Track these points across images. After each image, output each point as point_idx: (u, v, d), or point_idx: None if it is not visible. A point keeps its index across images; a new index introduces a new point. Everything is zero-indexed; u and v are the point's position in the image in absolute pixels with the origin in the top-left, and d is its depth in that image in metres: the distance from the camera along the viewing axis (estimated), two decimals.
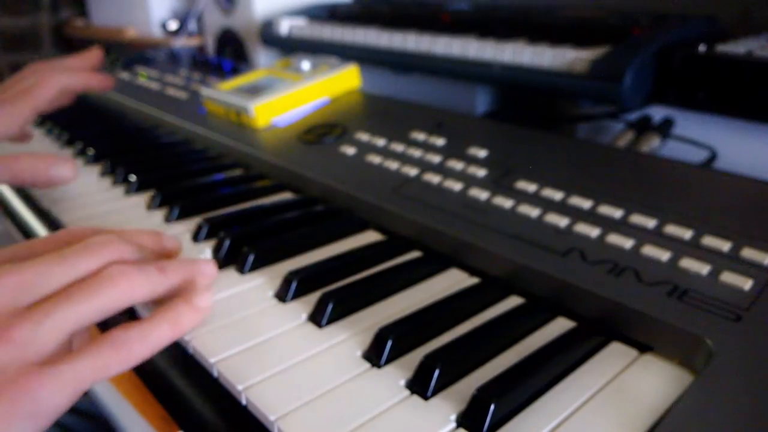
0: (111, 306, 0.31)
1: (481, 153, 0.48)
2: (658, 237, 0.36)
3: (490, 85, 0.75)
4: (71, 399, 0.28)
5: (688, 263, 0.33)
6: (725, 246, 0.34)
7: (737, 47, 0.50)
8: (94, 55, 0.66)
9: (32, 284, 0.30)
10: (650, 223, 0.37)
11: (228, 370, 0.31)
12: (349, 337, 0.33)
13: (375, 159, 0.50)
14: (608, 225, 0.37)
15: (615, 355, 0.32)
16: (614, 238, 0.36)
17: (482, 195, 0.43)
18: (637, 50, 0.52)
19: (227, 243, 0.42)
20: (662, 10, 0.65)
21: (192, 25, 1.16)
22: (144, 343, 0.31)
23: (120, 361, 0.30)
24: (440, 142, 0.51)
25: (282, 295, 0.37)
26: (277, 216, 0.48)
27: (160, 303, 0.34)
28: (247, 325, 0.34)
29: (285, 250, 0.42)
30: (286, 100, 0.62)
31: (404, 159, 0.49)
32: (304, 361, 0.31)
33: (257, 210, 0.49)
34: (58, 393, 0.28)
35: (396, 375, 0.30)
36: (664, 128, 0.57)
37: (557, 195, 0.41)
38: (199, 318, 0.34)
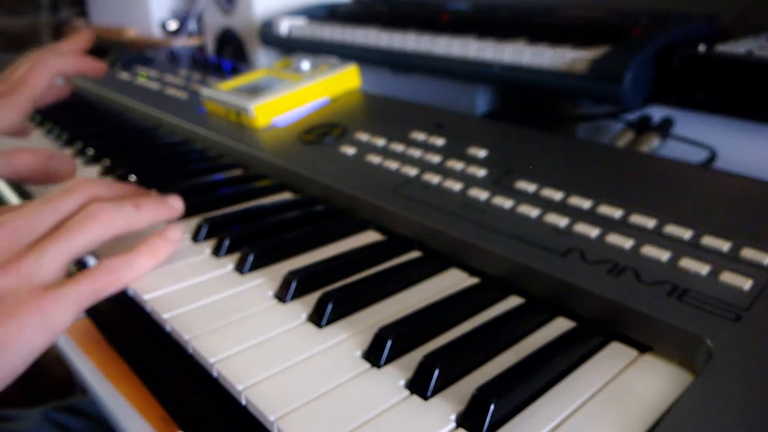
0: (96, 238, 0.37)
1: (481, 153, 0.48)
2: (658, 237, 0.36)
3: (490, 85, 0.75)
4: (74, 315, 0.34)
5: (687, 263, 0.33)
6: (725, 246, 0.34)
7: (737, 47, 0.50)
8: (83, 38, 0.66)
9: (27, 227, 0.36)
10: (650, 223, 0.37)
11: (228, 370, 0.31)
12: (349, 337, 0.33)
13: (375, 159, 0.50)
14: (608, 225, 0.37)
15: (615, 355, 0.32)
16: (614, 238, 0.36)
17: (482, 195, 0.43)
18: (637, 50, 0.52)
19: (227, 243, 0.42)
20: (662, 10, 0.65)
21: (192, 25, 1.16)
22: (130, 268, 0.38)
23: (112, 282, 0.36)
24: (440, 142, 0.51)
25: (282, 295, 0.37)
26: (277, 216, 0.48)
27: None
28: (247, 325, 0.34)
29: (285, 250, 0.42)
30: (286, 100, 0.62)
31: (404, 159, 0.49)
32: (303, 361, 0.31)
33: (257, 210, 0.49)
34: (63, 309, 0.33)
35: (396, 375, 0.30)
36: (664, 128, 0.57)
37: (557, 195, 0.41)
38: (171, 248, 0.40)
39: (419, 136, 0.52)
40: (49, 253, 0.35)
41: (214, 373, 0.31)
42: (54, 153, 0.48)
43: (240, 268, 0.40)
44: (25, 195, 0.58)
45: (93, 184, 0.40)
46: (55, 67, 0.60)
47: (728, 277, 0.32)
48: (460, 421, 0.27)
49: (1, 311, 0.32)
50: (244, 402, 0.29)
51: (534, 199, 0.41)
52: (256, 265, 0.41)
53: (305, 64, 0.68)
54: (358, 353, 0.32)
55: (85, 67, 0.63)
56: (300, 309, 0.36)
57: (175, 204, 0.43)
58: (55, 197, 0.38)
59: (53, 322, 0.33)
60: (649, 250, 0.34)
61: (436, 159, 0.48)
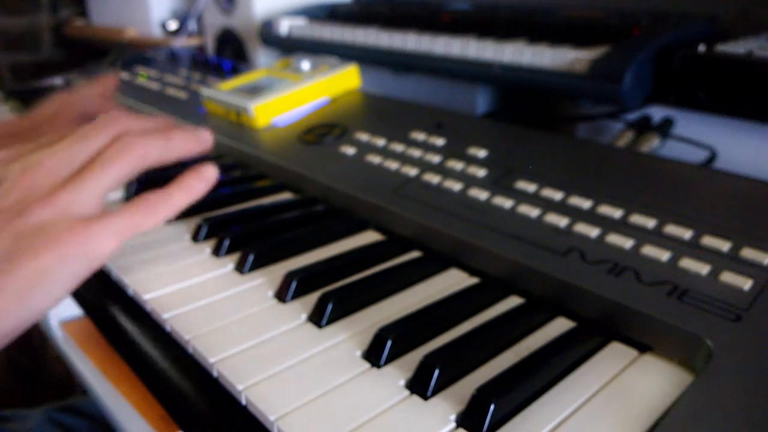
0: (130, 170, 0.37)
1: (481, 153, 0.48)
2: (658, 237, 0.36)
3: (490, 85, 0.75)
4: (114, 246, 0.35)
5: (687, 263, 0.33)
6: (725, 246, 0.34)
7: (737, 47, 0.50)
8: (107, 82, 0.62)
9: (62, 163, 0.36)
10: (650, 223, 0.37)
11: (228, 370, 0.31)
12: (349, 337, 0.33)
13: (375, 159, 0.50)
14: (608, 225, 0.37)
15: (615, 355, 0.32)
16: (614, 238, 0.36)
17: (482, 195, 0.43)
18: (637, 50, 0.52)
19: (227, 243, 0.42)
20: (662, 10, 0.65)
21: (192, 25, 1.16)
22: (167, 203, 0.38)
23: (150, 216, 0.37)
24: (440, 142, 0.51)
25: (282, 295, 0.37)
26: (277, 216, 0.48)
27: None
28: (247, 325, 0.34)
29: (285, 250, 0.42)
30: (286, 100, 0.62)
31: (404, 159, 0.49)
32: (303, 361, 0.31)
33: (257, 210, 0.49)
34: (103, 239, 0.34)
35: (396, 375, 0.30)
36: (664, 128, 0.57)
37: (557, 195, 0.41)
38: (207, 186, 0.41)
39: (419, 136, 0.52)
40: (85, 185, 0.35)
41: (214, 373, 0.31)
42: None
43: (240, 268, 0.40)
44: None
45: (124, 118, 0.40)
46: (78, 110, 0.57)
47: (728, 277, 0.32)
48: (460, 421, 0.27)
49: (43, 241, 0.33)
50: (244, 402, 0.29)
51: (534, 199, 0.41)
52: (256, 265, 0.41)
53: (305, 64, 0.68)
54: (358, 353, 0.32)
55: (105, 110, 0.60)
56: (300, 309, 0.36)
57: (205, 137, 0.43)
58: (88, 132, 0.38)
59: (94, 251, 0.34)
60: (649, 250, 0.34)
61: (436, 159, 0.48)
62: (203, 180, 0.41)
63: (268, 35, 0.91)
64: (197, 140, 0.43)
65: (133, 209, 0.36)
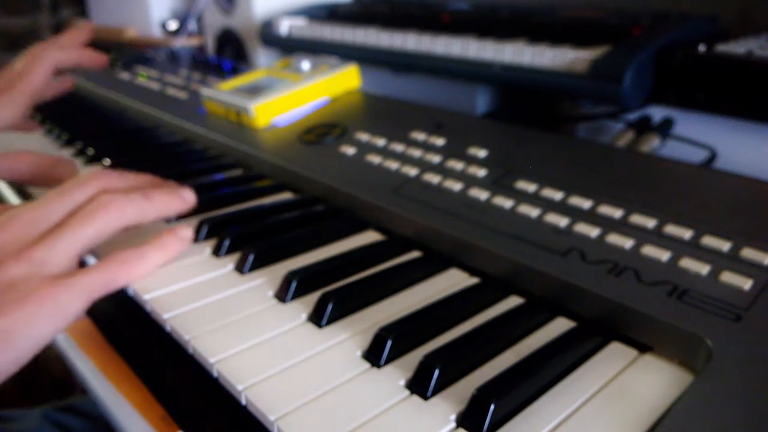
0: (107, 229, 0.37)
1: (481, 153, 0.48)
2: (658, 237, 0.36)
3: (490, 85, 0.75)
4: (85, 305, 0.34)
5: (688, 263, 0.33)
6: (725, 246, 0.34)
7: (737, 47, 0.50)
8: (83, 31, 0.66)
9: (40, 218, 0.36)
10: (650, 223, 0.37)
11: (228, 370, 0.31)
12: (349, 337, 0.33)
13: (375, 159, 0.50)
14: (608, 225, 0.37)
15: (615, 355, 0.32)
16: (614, 238, 0.36)
17: (482, 195, 0.43)
18: (637, 50, 0.52)
19: (227, 243, 0.42)
20: (662, 10, 0.65)
21: (192, 25, 1.16)
22: (141, 261, 0.38)
23: (122, 274, 0.37)
24: (440, 142, 0.51)
25: (282, 295, 0.37)
26: (277, 216, 0.48)
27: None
28: (247, 325, 0.34)
29: (285, 250, 0.42)
30: (286, 100, 0.62)
31: (404, 159, 0.49)
32: (303, 361, 0.31)
33: (257, 210, 0.49)
34: (74, 299, 0.34)
35: (396, 375, 0.30)
36: (664, 128, 0.57)
37: (557, 195, 0.41)
38: (182, 246, 0.41)
39: (419, 136, 0.52)
40: (60, 242, 0.35)
41: (214, 373, 0.31)
42: (56, 157, 0.49)
43: (240, 268, 0.40)
44: (26, 196, 0.58)
45: (105, 176, 0.40)
46: (53, 60, 0.60)
47: (728, 277, 0.32)
48: (460, 421, 0.27)
49: (12, 299, 0.32)
50: (244, 402, 0.29)
51: (534, 199, 0.41)
52: (256, 265, 0.41)
53: (305, 64, 0.68)
54: (358, 353, 0.32)
55: (84, 59, 0.63)
56: (300, 309, 0.36)
57: (187, 196, 0.44)
58: (67, 189, 0.38)
59: (63, 310, 0.33)
60: (649, 250, 0.34)
61: (436, 159, 0.48)
62: (179, 239, 0.41)
63: (268, 35, 0.91)
64: (179, 199, 0.43)
65: (105, 267, 0.36)
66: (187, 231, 0.41)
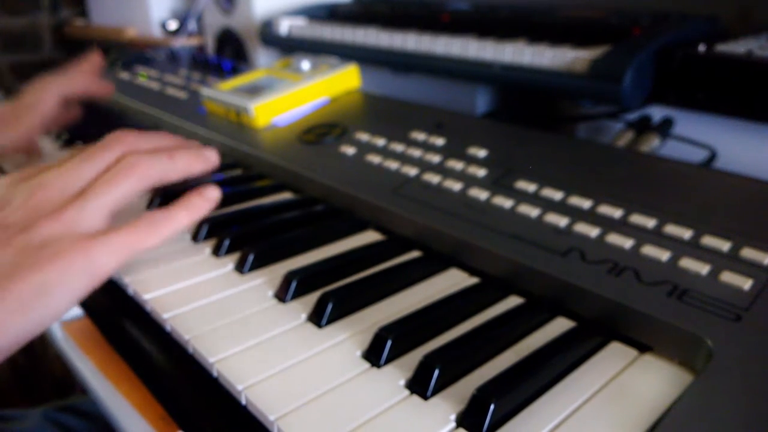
0: (134, 188, 0.38)
1: (481, 153, 0.48)
2: (658, 237, 0.35)
3: (490, 85, 0.75)
4: (117, 263, 0.35)
5: (688, 263, 0.33)
6: (725, 246, 0.34)
7: (737, 47, 0.50)
8: (92, 61, 0.67)
9: (70, 182, 0.37)
10: (650, 223, 0.37)
11: (228, 370, 0.31)
12: (349, 337, 0.33)
13: (375, 159, 0.50)
14: (608, 225, 0.37)
15: (615, 355, 0.32)
16: (614, 238, 0.36)
17: (482, 195, 0.43)
18: (637, 50, 0.52)
19: (227, 243, 0.42)
20: (662, 10, 0.65)
21: (192, 25, 1.16)
22: (170, 222, 0.39)
23: (152, 234, 0.37)
24: (440, 142, 0.51)
25: (282, 295, 0.37)
26: (277, 216, 0.48)
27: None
28: (247, 325, 0.34)
29: (285, 250, 0.42)
30: (286, 100, 0.62)
31: (404, 159, 0.49)
32: (303, 361, 0.31)
33: (257, 210, 0.49)
34: (106, 256, 0.35)
35: (396, 375, 0.30)
36: (664, 128, 0.57)
37: (557, 195, 0.41)
38: (209, 206, 0.41)
39: (419, 136, 0.52)
40: (89, 203, 0.36)
41: (214, 373, 0.31)
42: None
43: (240, 268, 0.40)
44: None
45: (130, 137, 0.41)
46: (61, 91, 0.61)
47: (728, 277, 0.32)
48: (460, 421, 0.27)
49: (46, 255, 0.33)
50: (244, 402, 0.29)
51: (534, 199, 0.41)
52: (256, 265, 0.41)
53: (305, 64, 0.68)
54: (358, 353, 0.32)
55: (91, 88, 0.64)
56: (300, 309, 0.36)
57: (210, 156, 0.44)
58: (94, 151, 0.39)
59: (96, 267, 0.34)
60: (649, 250, 0.34)
61: (436, 159, 0.48)
62: (206, 200, 0.41)
63: (268, 35, 0.91)
64: (202, 159, 0.43)
65: (135, 227, 0.37)
66: (214, 191, 0.42)
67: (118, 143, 0.40)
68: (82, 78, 0.64)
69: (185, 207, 0.40)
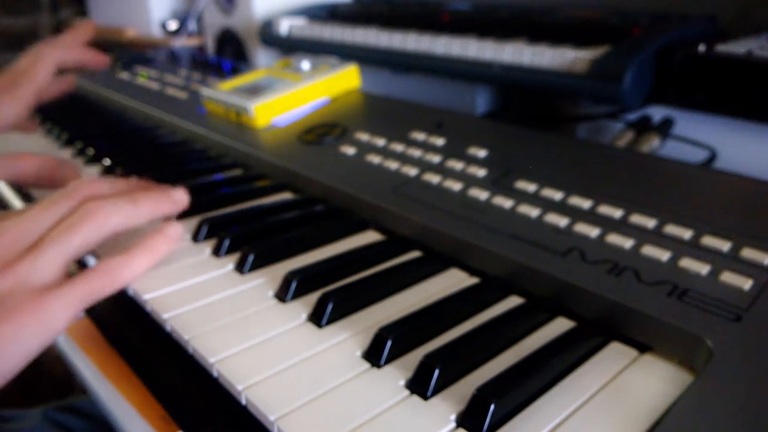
0: (93, 236, 0.36)
1: (481, 153, 0.48)
2: (658, 237, 0.35)
3: (490, 85, 0.75)
4: (71, 317, 0.34)
5: (688, 263, 0.33)
6: (725, 246, 0.34)
7: (737, 47, 0.50)
8: (85, 30, 0.66)
9: (27, 232, 0.36)
10: (650, 223, 0.37)
11: (228, 370, 0.31)
12: (349, 337, 0.33)
13: (375, 159, 0.50)
14: (608, 225, 0.37)
15: (614, 355, 0.32)
16: (614, 238, 0.36)
17: (482, 195, 0.43)
18: (637, 50, 0.52)
19: (227, 243, 0.42)
20: (662, 10, 0.65)
21: (192, 25, 1.16)
22: (128, 268, 0.37)
23: (109, 283, 0.36)
24: (440, 142, 0.51)
25: (282, 295, 0.37)
26: (277, 216, 0.48)
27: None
28: (247, 325, 0.34)
29: (285, 250, 0.42)
30: (286, 100, 0.62)
31: (404, 159, 0.49)
32: (303, 361, 0.31)
33: (257, 210, 0.49)
34: (60, 311, 0.33)
35: (396, 375, 0.30)
36: (664, 128, 0.57)
37: (557, 195, 0.41)
38: (171, 245, 0.40)
39: (419, 136, 0.52)
40: (45, 254, 0.35)
41: (214, 373, 0.31)
42: (58, 160, 0.49)
43: (240, 268, 0.40)
44: (27, 197, 0.58)
45: (92, 184, 0.40)
46: (55, 59, 0.60)
47: (728, 277, 0.32)
48: (460, 421, 0.27)
49: None
50: (244, 402, 0.29)
51: (534, 199, 0.41)
52: (256, 265, 0.41)
53: (305, 64, 0.68)
54: (358, 353, 0.32)
55: (86, 59, 0.63)
56: (300, 309, 0.36)
57: (178, 197, 0.43)
58: (54, 199, 0.38)
59: (50, 323, 0.33)
60: (649, 250, 0.34)
61: (436, 159, 0.48)
62: (167, 239, 0.40)
63: (268, 35, 0.91)
64: (169, 201, 0.42)
65: (91, 277, 0.36)
66: (175, 229, 0.40)
67: (79, 190, 0.39)
68: (77, 47, 0.63)
69: (145, 250, 0.38)
